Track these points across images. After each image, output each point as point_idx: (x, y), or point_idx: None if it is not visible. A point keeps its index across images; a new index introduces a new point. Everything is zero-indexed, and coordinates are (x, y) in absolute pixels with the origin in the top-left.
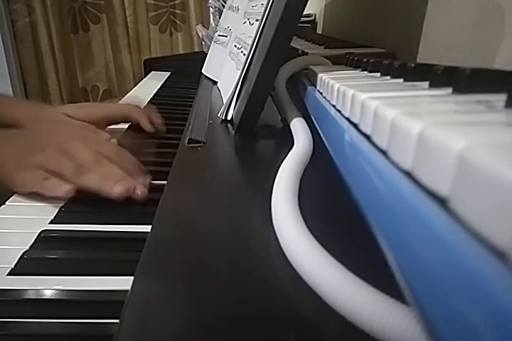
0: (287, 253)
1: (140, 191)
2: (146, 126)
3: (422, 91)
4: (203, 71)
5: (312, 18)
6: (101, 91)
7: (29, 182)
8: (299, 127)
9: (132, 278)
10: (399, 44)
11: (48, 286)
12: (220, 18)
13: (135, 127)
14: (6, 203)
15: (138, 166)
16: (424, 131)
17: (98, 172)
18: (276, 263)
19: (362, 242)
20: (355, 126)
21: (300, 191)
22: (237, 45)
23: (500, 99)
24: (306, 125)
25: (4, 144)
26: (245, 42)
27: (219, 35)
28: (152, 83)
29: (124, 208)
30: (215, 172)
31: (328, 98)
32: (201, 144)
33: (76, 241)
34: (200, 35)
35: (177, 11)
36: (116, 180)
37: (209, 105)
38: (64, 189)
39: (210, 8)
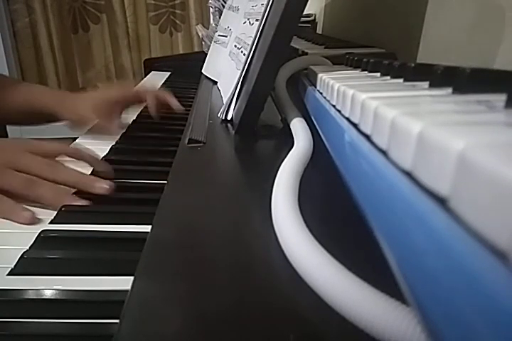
0: (287, 253)
1: (105, 184)
2: (152, 112)
3: (422, 91)
4: (203, 71)
5: (312, 18)
6: None
7: None
8: (299, 127)
9: (132, 278)
10: (399, 44)
11: (48, 286)
12: (220, 18)
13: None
14: None
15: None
16: (424, 131)
17: (52, 181)
18: (276, 263)
19: (362, 242)
20: (355, 126)
21: (300, 191)
22: (237, 45)
23: (500, 99)
24: (306, 125)
25: None
26: (245, 42)
27: (219, 35)
28: (152, 83)
29: (123, 208)
30: (215, 172)
31: (328, 98)
32: (201, 144)
33: (76, 241)
34: (200, 35)
35: (177, 11)
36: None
37: (209, 105)
38: (26, 216)
39: (210, 8)
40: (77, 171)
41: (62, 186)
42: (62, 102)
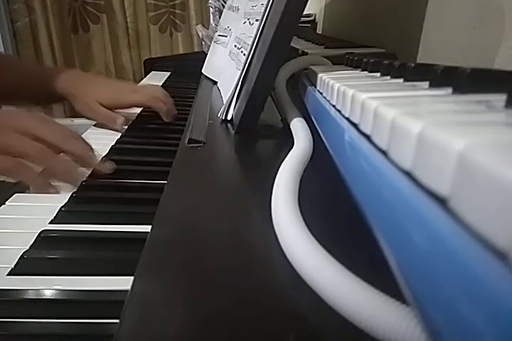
0: (287, 253)
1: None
2: (164, 117)
3: (422, 92)
4: (203, 71)
5: (312, 18)
6: None
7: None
8: (299, 127)
9: (132, 278)
10: (399, 44)
11: (48, 286)
12: (220, 18)
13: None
14: (6, 203)
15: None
16: (424, 131)
17: (62, 150)
18: (276, 263)
19: (362, 242)
20: (355, 126)
21: (300, 191)
22: (237, 45)
23: (500, 99)
24: (306, 125)
25: None
26: (245, 42)
27: (219, 35)
28: (152, 83)
29: (124, 208)
30: (215, 172)
31: (328, 98)
32: (201, 144)
33: (76, 241)
34: (200, 35)
35: (177, 11)
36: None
37: (209, 105)
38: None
39: (210, 8)
40: (88, 145)
41: (71, 161)
42: (78, 90)
